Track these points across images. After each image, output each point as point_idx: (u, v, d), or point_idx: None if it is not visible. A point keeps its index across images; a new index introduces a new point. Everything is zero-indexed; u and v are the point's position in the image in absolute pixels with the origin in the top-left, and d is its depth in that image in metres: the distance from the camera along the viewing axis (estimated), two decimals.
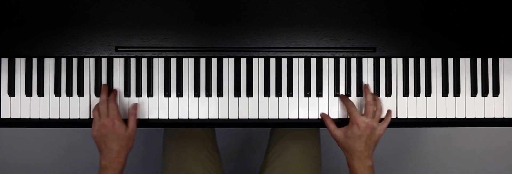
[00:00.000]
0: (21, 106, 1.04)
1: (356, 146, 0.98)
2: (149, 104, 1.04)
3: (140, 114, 1.04)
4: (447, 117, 1.06)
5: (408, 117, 1.06)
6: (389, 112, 1.04)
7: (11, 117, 1.04)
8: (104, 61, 1.04)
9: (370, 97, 1.02)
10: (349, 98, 1.05)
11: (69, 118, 1.04)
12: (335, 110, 1.05)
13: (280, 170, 1.19)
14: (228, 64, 1.05)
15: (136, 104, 1.03)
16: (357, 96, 1.05)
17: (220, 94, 1.04)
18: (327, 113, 1.05)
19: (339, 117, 1.05)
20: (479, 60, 1.07)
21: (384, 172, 1.84)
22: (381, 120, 1.03)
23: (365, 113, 1.01)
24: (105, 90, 1.02)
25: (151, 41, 1.03)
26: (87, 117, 1.04)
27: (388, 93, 1.06)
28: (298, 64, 1.05)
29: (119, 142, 0.97)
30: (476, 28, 1.04)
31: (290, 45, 1.03)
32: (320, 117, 1.05)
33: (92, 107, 1.03)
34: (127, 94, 1.04)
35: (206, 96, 1.04)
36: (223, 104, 1.05)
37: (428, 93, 1.06)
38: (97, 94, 1.04)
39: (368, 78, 1.06)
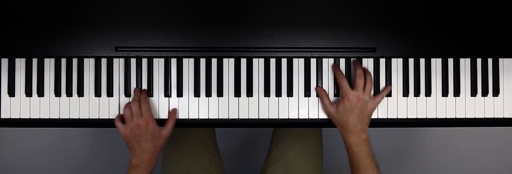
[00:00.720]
0: (21, 106, 1.04)
1: (349, 120, 0.97)
2: (149, 104, 1.04)
3: None
4: (447, 117, 1.06)
5: (408, 117, 1.06)
6: (387, 87, 1.04)
7: (11, 117, 1.04)
8: (104, 61, 1.04)
9: (359, 70, 1.01)
10: None
11: (69, 118, 1.04)
12: (322, 88, 1.05)
13: (282, 171, 1.19)
14: (228, 64, 1.05)
15: (176, 108, 1.04)
16: None
17: (220, 94, 1.04)
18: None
19: None
20: (479, 60, 1.07)
21: (384, 172, 1.84)
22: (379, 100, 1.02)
23: (354, 86, 1.00)
24: (138, 91, 1.02)
25: (151, 41, 1.03)
26: (87, 117, 1.04)
27: (388, 93, 1.06)
28: (298, 64, 1.05)
29: (154, 143, 0.98)
30: (476, 28, 1.04)
31: (290, 45, 1.03)
32: (315, 92, 1.04)
33: (92, 107, 1.04)
34: (127, 93, 1.04)
35: (206, 96, 1.04)
36: (223, 104, 1.05)
37: (428, 93, 1.06)
38: (97, 94, 1.04)
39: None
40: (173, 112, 1.03)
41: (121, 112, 1.03)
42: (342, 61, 1.06)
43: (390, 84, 1.06)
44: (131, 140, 0.98)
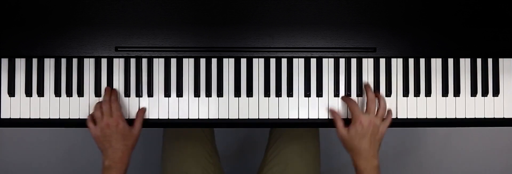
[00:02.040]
0: (21, 106, 1.04)
1: (361, 145, 0.97)
2: (149, 104, 1.04)
3: None
4: (447, 117, 1.06)
5: (408, 117, 1.06)
6: (389, 111, 1.04)
7: (11, 117, 1.04)
8: (104, 61, 1.04)
9: (372, 95, 1.01)
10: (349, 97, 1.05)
11: (69, 118, 1.04)
12: (335, 110, 1.05)
13: (279, 168, 1.19)
14: (228, 64, 1.05)
15: (144, 107, 1.04)
16: (357, 95, 1.05)
17: (220, 94, 1.04)
18: (336, 110, 1.04)
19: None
20: (479, 60, 1.07)
21: (384, 172, 1.84)
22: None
23: (366, 110, 1.00)
24: (108, 90, 1.02)
25: (151, 41, 1.03)
26: (87, 117, 1.04)
27: (388, 93, 1.06)
28: (298, 64, 1.05)
29: (125, 142, 0.98)
30: (476, 28, 1.04)
31: (290, 45, 1.03)
32: (328, 116, 1.03)
33: (92, 107, 1.03)
34: (127, 93, 1.04)
35: (206, 96, 1.04)
36: (223, 104, 1.05)
37: (428, 93, 1.06)
38: (97, 94, 1.04)
39: (368, 78, 1.06)
40: (141, 111, 1.03)
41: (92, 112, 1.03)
42: (342, 61, 1.06)
43: (390, 84, 1.06)
44: (102, 140, 0.98)
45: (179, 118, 1.04)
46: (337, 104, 1.05)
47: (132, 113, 1.04)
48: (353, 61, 1.06)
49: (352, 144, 0.98)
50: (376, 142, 0.99)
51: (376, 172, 0.97)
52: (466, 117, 1.06)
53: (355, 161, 0.99)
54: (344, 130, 1.00)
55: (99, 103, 1.01)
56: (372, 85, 1.05)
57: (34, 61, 1.04)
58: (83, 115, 1.04)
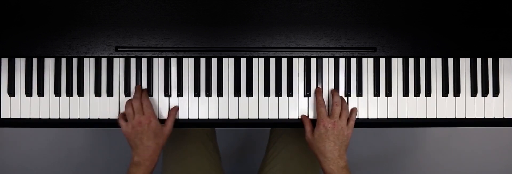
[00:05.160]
0: (21, 106, 1.04)
1: (325, 147, 0.98)
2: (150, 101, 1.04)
3: None
4: (447, 117, 1.06)
5: (408, 117, 1.06)
6: (353, 110, 1.04)
7: (11, 117, 1.04)
8: (104, 61, 1.04)
9: (337, 98, 1.02)
10: (349, 98, 1.05)
11: (69, 118, 1.04)
12: (305, 115, 1.06)
13: (279, 168, 1.19)
14: (228, 64, 1.05)
15: (177, 106, 1.04)
16: (357, 96, 1.05)
17: (220, 94, 1.04)
18: (307, 115, 1.05)
19: None
20: (479, 60, 1.07)
21: (384, 172, 1.84)
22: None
23: (331, 113, 1.01)
24: (138, 88, 1.03)
25: (151, 41, 1.03)
26: (87, 117, 1.04)
27: (388, 93, 1.06)
28: (298, 64, 1.05)
29: (156, 140, 0.98)
30: (476, 28, 1.04)
31: (290, 45, 1.04)
32: (299, 117, 1.05)
33: (92, 107, 1.04)
34: (127, 93, 1.04)
35: (206, 96, 1.04)
36: (223, 104, 1.05)
37: (428, 93, 1.06)
38: (97, 94, 1.04)
39: (368, 78, 1.06)
40: (173, 109, 1.03)
41: (123, 110, 1.03)
42: (342, 61, 1.06)
43: (390, 84, 1.06)
44: (133, 138, 0.98)
45: (179, 118, 1.04)
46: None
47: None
48: (353, 61, 1.06)
49: (317, 147, 0.99)
50: (341, 144, 0.99)
51: (345, 172, 0.98)
52: (466, 117, 1.06)
53: (321, 164, 0.99)
54: (310, 133, 1.01)
55: (130, 100, 1.01)
56: (372, 85, 1.06)
57: (34, 61, 1.04)
58: (83, 115, 1.04)
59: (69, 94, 1.04)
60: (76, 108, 1.04)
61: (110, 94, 1.04)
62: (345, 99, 1.05)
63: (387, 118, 1.06)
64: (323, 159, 0.98)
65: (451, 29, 1.04)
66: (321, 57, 1.05)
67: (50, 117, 1.04)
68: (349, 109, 1.05)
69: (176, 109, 1.03)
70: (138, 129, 0.97)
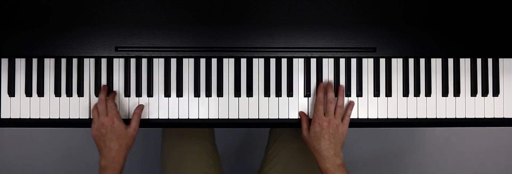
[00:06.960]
0: (21, 106, 1.04)
1: (321, 145, 0.98)
2: (149, 104, 1.04)
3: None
4: (447, 117, 1.06)
5: (408, 117, 1.06)
6: (349, 104, 1.04)
7: (11, 117, 1.04)
8: (104, 61, 1.04)
9: (331, 95, 1.02)
10: (349, 98, 1.05)
11: (69, 118, 1.04)
12: (304, 112, 1.05)
13: (279, 168, 1.19)
14: (228, 64, 1.05)
15: (142, 105, 1.03)
16: (357, 96, 1.05)
17: (220, 94, 1.04)
18: (306, 113, 1.04)
19: None
20: (479, 60, 1.07)
21: (384, 172, 1.84)
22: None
23: (325, 111, 1.01)
24: (104, 89, 1.02)
25: (151, 41, 1.03)
26: (87, 117, 1.04)
27: (388, 93, 1.06)
28: (298, 64, 1.05)
29: (119, 141, 0.97)
30: (476, 28, 1.04)
31: (290, 45, 1.03)
32: (298, 116, 1.04)
33: (92, 107, 1.03)
34: (127, 94, 1.04)
35: (206, 96, 1.04)
36: (223, 104, 1.05)
37: (428, 93, 1.06)
38: (97, 94, 1.04)
39: (368, 78, 1.06)
40: (138, 108, 1.02)
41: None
42: (342, 61, 1.06)
43: (390, 84, 1.06)
44: (98, 140, 0.97)
45: (179, 118, 1.04)
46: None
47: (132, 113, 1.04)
48: (353, 61, 1.06)
49: (313, 145, 0.99)
50: (337, 142, 0.99)
51: (341, 170, 0.97)
52: (466, 117, 1.06)
53: (317, 162, 0.99)
54: (306, 131, 1.01)
55: (96, 103, 1.01)
56: (372, 85, 1.06)
57: (34, 61, 1.04)
58: (83, 115, 1.04)
59: (69, 94, 1.04)
60: (76, 108, 1.04)
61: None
62: (346, 99, 1.05)
63: (387, 118, 1.06)
64: (319, 157, 0.98)
65: (451, 29, 1.04)
66: (321, 57, 1.05)
67: (50, 117, 1.04)
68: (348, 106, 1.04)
69: (141, 107, 1.02)
70: (102, 131, 0.97)
